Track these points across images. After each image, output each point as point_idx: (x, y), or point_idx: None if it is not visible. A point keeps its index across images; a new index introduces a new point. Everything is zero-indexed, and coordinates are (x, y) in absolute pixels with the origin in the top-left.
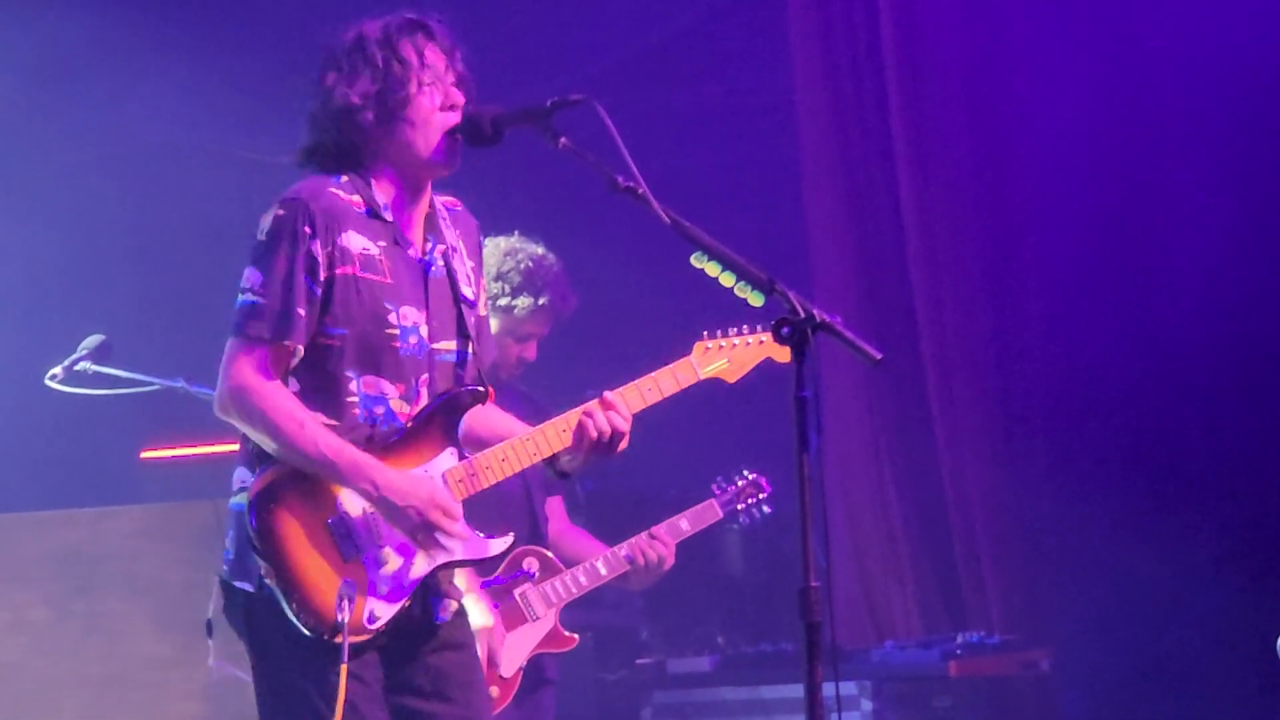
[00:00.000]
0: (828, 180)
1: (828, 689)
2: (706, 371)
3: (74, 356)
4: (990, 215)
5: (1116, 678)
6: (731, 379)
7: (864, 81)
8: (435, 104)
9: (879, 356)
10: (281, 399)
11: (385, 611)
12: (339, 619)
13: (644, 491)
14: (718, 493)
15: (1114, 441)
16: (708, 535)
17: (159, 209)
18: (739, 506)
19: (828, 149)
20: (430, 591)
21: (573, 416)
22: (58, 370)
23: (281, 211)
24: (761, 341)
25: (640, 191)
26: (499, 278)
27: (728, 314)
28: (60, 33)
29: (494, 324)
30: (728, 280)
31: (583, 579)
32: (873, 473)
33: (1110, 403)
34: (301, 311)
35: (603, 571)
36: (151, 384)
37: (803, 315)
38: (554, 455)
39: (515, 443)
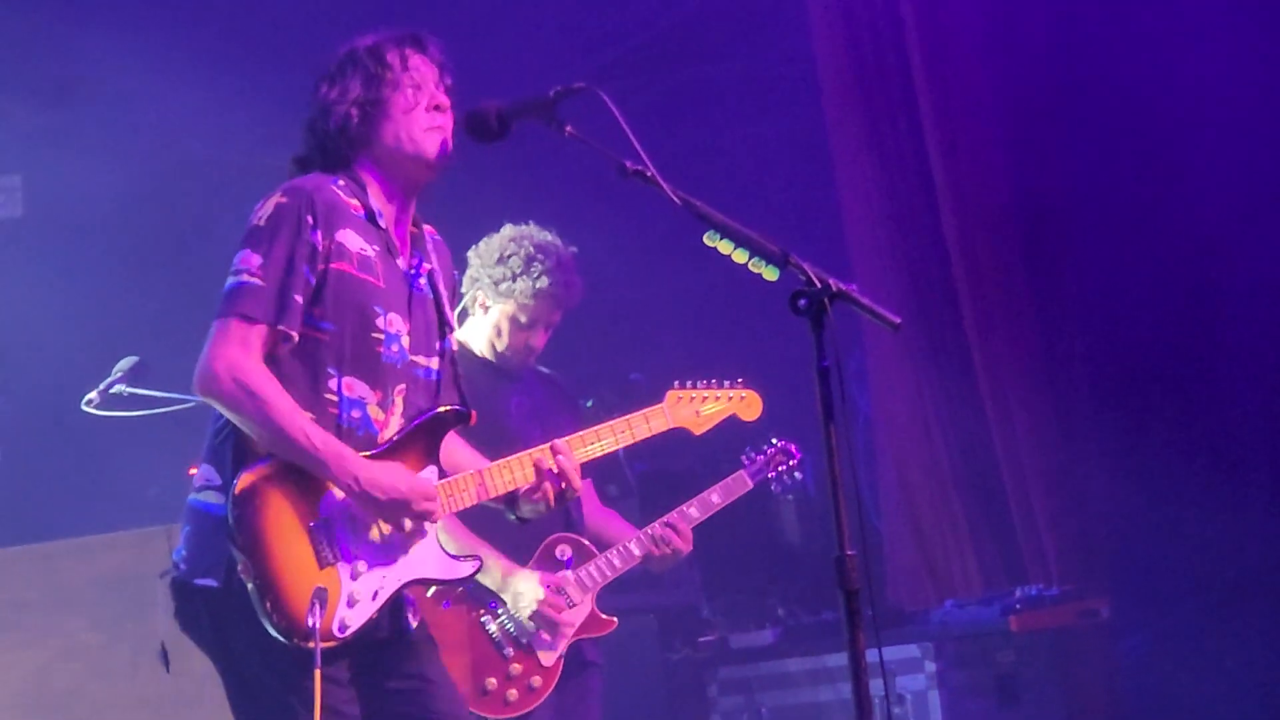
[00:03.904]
0: (855, 148)
1: (890, 653)
2: (676, 420)
3: (109, 380)
4: (1022, 167)
5: (1176, 621)
6: (697, 431)
7: (885, 45)
8: (418, 103)
9: (897, 321)
10: (274, 383)
11: (355, 621)
12: (310, 624)
13: (695, 469)
14: (746, 463)
15: (1161, 387)
16: (762, 508)
17: (184, 222)
18: (769, 475)
19: (854, 117)
20: (400, 604)
21: (533, 455)
22: (93, 395)
23: (284, 199)
24: (730, 398)
25: (649, 174)
26: (500, 261)
27: (746, 293)
28: (89, 52)
29: (500, 308)
30: (741, 257)
31: (616, 562)
32: (921, 434)
33: (1155, 349)
34: (299, 298)
35: (636, 553)
36: (188, 401)
37: (819, 286)
38: (515, 499)
39: (492, 469)
